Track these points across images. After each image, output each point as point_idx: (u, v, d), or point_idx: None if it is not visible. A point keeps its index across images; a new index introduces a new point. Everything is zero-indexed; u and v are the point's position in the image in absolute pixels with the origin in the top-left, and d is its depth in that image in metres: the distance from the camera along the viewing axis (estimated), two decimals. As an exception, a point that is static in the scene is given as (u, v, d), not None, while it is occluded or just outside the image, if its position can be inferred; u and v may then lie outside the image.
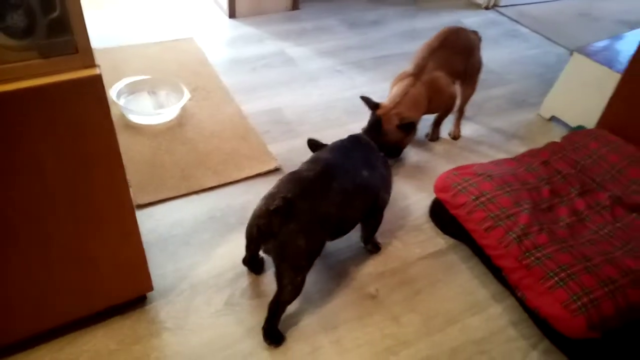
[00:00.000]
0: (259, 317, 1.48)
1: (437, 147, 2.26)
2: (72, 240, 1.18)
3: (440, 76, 2.02)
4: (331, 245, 1.71)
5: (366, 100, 1.93)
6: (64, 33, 0.94)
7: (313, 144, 1.71)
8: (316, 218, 1.37)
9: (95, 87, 0.98)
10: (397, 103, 1.90)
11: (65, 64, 0.95)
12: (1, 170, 0.99)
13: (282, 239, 1.33)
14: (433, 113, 2.16)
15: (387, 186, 1.65)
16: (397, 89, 1.99)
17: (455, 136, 2.31)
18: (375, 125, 1.83)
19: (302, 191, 1.37)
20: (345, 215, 1.47)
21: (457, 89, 2.23)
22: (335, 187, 1.43)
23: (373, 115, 1.93)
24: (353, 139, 1.68)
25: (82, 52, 0.95)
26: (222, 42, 2.93)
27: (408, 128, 1.91)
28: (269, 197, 1.38)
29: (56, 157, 1.03)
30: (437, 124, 2.27)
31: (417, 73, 2.01)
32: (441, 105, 2.12)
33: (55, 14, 0.93)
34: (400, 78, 2.06)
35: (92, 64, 0.97)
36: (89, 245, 1.22)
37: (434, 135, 2.29)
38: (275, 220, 1.32)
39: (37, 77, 0.93)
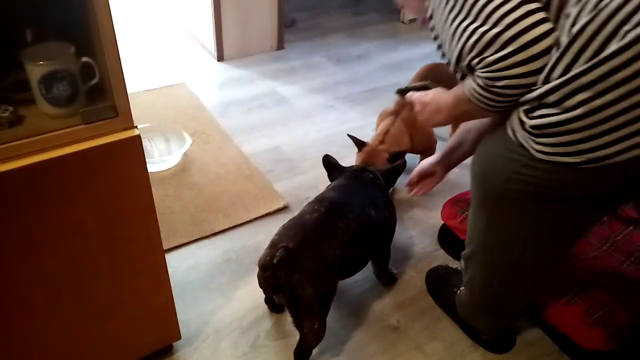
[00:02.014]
0: (286, 357, 1.49)
1: (435, 174, 2.33)
2: (109, 293, 1.20)
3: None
4: (348, 279, 1.74)
5: (353, 138, 1.98)
6: (104, 99, 0.98)
7: (329, 163, 1.69)
8: (321, 264, 1.35)
9: (134, 147, 1.02)
10: (381, 141, 1.97)
11: (106, 128, 0.99)
12: (48, 233, 1.01)
13: (290, 291, 1.32)
14: (417, 152, 2.15)
15: (391, 226, 1.65)
16: (380, 128, 2.05)
17: (451, 162, 2.39)
18: (397, 170, 1.76)
19: (305, 237, 1.35)
20: (352, 254, 1.46)
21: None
22: (341, 227, 1.42)
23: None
24: (358, 174, 1.66)
25: (122, 115, 0.99)
26: (214, 85, 2.99)
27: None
28: (272, 247, 1.36)
29: (97, 216, 1.06)
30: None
31: (397, 110, 2.07)
32: (421, 143, 2.11)
33: (95, 81, 0.98)
34: (383, 117, 2.12)
35: (131, 125, 1.01)
36: (124, 297, 1.23)
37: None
38: (279, 272, 1.30)
39: (80, 142, 0.97)
